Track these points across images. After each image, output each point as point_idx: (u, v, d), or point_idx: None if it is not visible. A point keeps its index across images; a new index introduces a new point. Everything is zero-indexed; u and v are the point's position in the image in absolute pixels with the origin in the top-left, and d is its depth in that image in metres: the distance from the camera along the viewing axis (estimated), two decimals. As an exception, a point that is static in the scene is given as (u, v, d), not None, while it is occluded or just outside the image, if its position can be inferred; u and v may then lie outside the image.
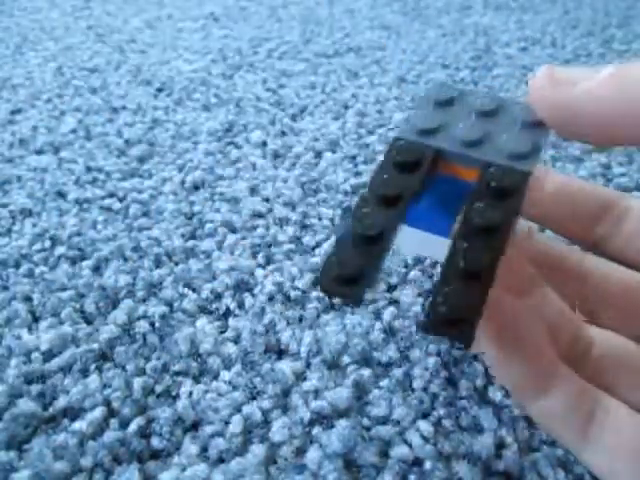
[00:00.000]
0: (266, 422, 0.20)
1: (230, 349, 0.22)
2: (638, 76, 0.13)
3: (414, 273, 0.25)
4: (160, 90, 0.42)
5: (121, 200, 0.30)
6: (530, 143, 0.16)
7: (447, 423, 0.19)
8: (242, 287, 0.25)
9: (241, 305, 0.24)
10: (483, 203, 0.15)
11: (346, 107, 0.40)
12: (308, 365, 0.21)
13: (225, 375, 0.21)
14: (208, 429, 0.19)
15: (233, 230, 0.28)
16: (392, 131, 0.37)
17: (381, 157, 0.16)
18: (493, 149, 0.16)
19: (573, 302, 0.18)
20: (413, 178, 0.16)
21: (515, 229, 0.15)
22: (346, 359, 0.22)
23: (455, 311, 0.13)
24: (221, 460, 0.19)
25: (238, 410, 0.20)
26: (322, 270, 0.14)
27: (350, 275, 0.14)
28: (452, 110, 0.17)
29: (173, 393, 0.21)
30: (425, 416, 0.20)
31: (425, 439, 0.19)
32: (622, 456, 0.15)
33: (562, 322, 0.18)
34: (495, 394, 0.20)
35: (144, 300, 0.24)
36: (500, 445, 0.19)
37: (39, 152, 0.34)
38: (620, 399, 0.16)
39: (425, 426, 0.19)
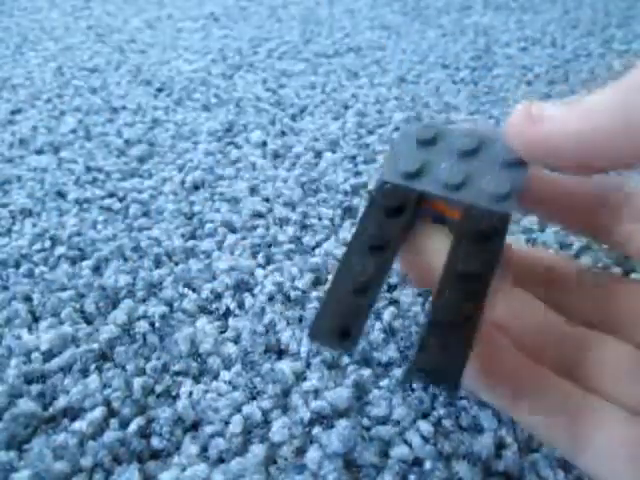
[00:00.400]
0: (266, 422, 0.20)
1: (230, 349, 0.22)
2: (609, 109, 0.13)
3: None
4: (160, 90, 0.42)
5: (121, 200, 0.30)
6: (509, 184, 0.16)
7: (447, 423, 0.19)
8: (242, 287, 0.25)
9: (241, 305, 0.24)
10: (465, 249, 0.15)
11: (346, 107, 0.40)
12: (308, 365, 0.21)
13: (225, 375, 0.21)
14: (208, 429, 0.19)
15: (233, 230, 0.28)
16: (392, 132, 0.37)
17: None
18: (474, 191, 0.16)
19: (563, 307, 0.18)
20: (399, 222, 0.16)
21: (497, 272, 0.15)
22: (346, 359, 0.22)
23: (440, 362, 0.14)
24: (221, 460, 0.19)
25: (238, 410, 0.20)
26: (313, 323, 0.15)
27: (341, 327, 0.14)
28: (434, 150, 0.18)
29: (173, 393, 0.21)
30: (425, 416, 0.20)
31: (425, 439, 0.19)
32: (621, 460, 0.15)
33: (547, 327, 0.17)
34: (495, 394, 0.20)
35: (144, 300, 0.24)
36: (500, 445, 0.19)
37: (39, 152, 0.34)
38: (619, 403, 0.16)
39: (425, 426, 0.19)
